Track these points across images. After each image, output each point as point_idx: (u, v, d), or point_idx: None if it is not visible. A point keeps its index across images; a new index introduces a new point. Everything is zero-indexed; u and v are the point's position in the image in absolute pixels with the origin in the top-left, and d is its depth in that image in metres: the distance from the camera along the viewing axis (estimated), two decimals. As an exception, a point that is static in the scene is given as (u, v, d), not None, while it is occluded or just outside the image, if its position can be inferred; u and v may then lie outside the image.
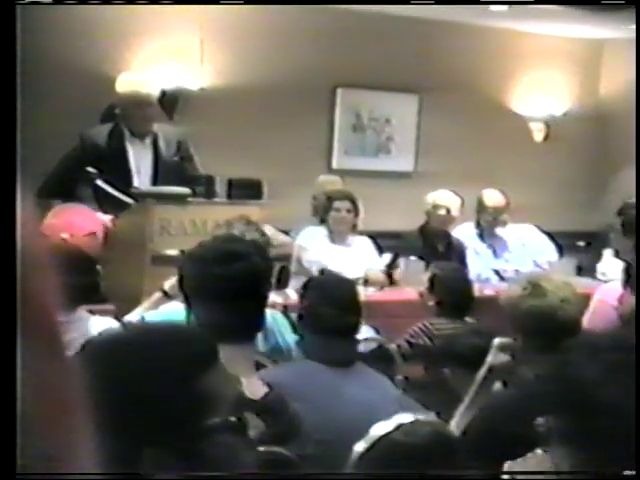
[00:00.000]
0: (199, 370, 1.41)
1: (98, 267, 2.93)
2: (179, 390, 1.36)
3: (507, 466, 1.82)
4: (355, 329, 2.86)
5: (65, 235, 2.85)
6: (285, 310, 4.11)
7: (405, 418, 1.94)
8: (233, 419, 1.47)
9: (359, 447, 1.89)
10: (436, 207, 5.84)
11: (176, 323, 1.77)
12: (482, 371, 2.89)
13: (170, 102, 6.10)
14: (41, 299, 0.61)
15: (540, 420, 1.31)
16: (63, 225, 2.88)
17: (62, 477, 0.57)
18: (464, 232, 6.09)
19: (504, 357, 2.85)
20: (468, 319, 4.05)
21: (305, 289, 2.94)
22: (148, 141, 4.84)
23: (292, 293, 4.84)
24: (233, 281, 2.22)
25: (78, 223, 2.89)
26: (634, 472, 1.18)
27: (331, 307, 2.78)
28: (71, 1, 5.03)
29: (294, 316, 3.01)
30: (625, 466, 1.19)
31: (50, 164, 4.93)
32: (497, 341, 2.87)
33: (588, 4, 5.42)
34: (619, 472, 1.18)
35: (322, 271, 3.30)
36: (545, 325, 2.78)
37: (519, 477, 1.34)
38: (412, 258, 5.45)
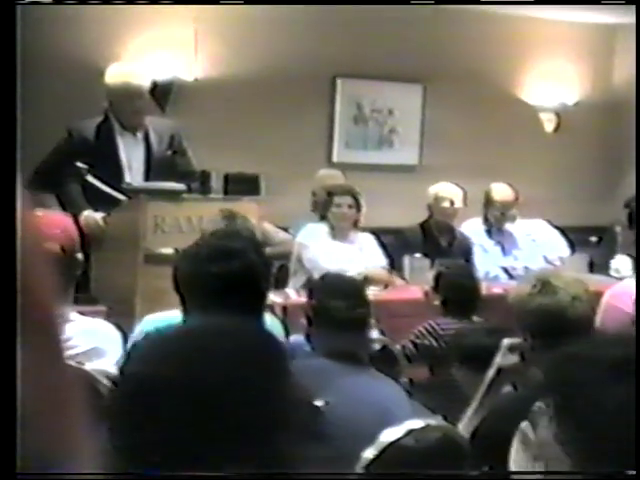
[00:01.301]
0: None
1: (78, 259, 2.92)
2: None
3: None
4: (365, 323, 2.89)
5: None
6: (284, 311, 4.13)
7: (415, 424, 1.95)
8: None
9: (368, 454, 1.90)
10: (438, 199, 5.84)
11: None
12: (490, 372, 2.90)
13: (163, 94, 6.10)
14: (39, 296, 0.63)
15: (539, 405, 1.32)
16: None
17: (62, 477, 0.59)
18: (471, 228, 6.09)
19: (513, 358, 2.86)
20: (475, 318, 4.06)
21: (312, 287, 2.99)
22: (140, 135, 4.84)
23: (292, 292, 4.86)
24: (229, 279, 2.23)
25: (47, 232, 2.89)
26: (634, 472, 1.19)
27: (340, 300, 2.83)
28: (71, 1, 5.03)
29: (297, 318, 3.04)
30: (624, 465, 1.20)
31: (38, 158, 4.94)
32: (506, 341, 2.88)
33: (588, 4, 5.44)
34: (620, 472, 1.19)
35: (326, 274, 3.35)
36: (555, 324, 2.79)
37: (519, 477, 1.35)
38: (417, 255, 5.46)
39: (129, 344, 3.00)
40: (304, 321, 2.94)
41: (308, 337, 2.93)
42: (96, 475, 0.59)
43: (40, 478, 0.58)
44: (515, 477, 1.35)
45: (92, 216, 4.48)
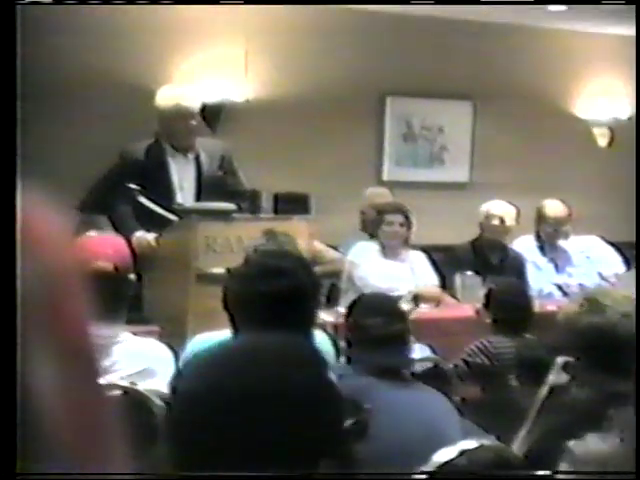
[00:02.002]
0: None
1: (131, 279, 2.97)
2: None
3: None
4: (403, 337, 2.89)
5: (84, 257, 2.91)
6: (335, 329, 4.13)
7: (468, 444, 1.94)
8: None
9: (421, 475, 1.89)
10: (489, 217, 5.82)
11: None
12: (543, 391, 2.87)
13: (213, 115, 6.17)
14: (75, 320, 0.64)
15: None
16: (84, 251, 2.95)
17: (62, 477, 0.60)
18: (523, 245, 6.05)
19: (566, 376, 2.83)
20: (528, 336, 4.03)
21: (349, 308, 3.02)
22: (191, 156, 4.89)
23: (343, 311, 4.86)
24: (279, 299, 2.24)
25: (100, 252, 2.95)
26: (634, 472, 1.18)
27: (376, 317, 2.84)
28: (71, 1, 5.09)
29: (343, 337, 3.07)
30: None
31: (91, 179, 5.01)
32: (559, 360, 2.86)
33: (589, 4, 5.42)
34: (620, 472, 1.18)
35: (362, 294, 3.40)
36: (605, 342, 2.76)
37: (522, 477, 1.34)
38: (468, 273, 5.44)
39: (180, 363, 3.03)
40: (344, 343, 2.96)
41: (349, 359, 2.94)
42: (96, 475, 0.60)
43: (40, 478, 0.59)
44: (517, 478, 1.34)
45: (144, 237, 4.53)
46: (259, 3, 5.45)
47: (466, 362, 4.00)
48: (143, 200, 4.61)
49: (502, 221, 5.80)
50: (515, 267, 5.77)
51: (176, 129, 4.82)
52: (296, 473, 1.15)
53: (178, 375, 1.34)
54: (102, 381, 0.66)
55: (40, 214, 0.65)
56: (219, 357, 1.26)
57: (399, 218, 5.35)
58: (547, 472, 1.27)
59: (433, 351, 4.02)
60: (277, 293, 2.24)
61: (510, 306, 4.03)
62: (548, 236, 6.05)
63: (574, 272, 6.00)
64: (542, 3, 5.54)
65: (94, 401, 0.64)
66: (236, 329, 2.32)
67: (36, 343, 0.60)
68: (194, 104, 4.90)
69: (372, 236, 5.52)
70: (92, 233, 3.11)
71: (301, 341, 1.43)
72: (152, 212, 4.61)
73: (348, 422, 1.27)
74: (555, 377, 2.83)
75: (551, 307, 5.03)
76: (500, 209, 5.86)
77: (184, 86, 5.49)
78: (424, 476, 1.85)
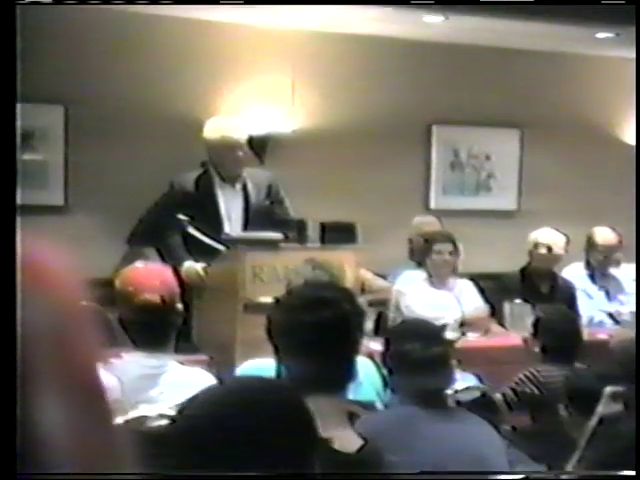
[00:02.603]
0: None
1: (178, 310, 2.99)
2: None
3: None
4: (443, 360, 2.88)
5: (131, 289, 2.95)
6: (384, 358, 4.11)
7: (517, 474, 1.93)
8: None
9: (421, 476, 1.89)
10: (537, 246, 5.78)
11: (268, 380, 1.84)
12: (593, 421, 2.84)
13: (261, 145, 6.22)
14: (82, 358, 0.64)
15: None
16: (131, 282, 2.98)
17: (62, 477, 0.60)
18: (574, 273, 5.99)
19: (617, 406, 2.79)
20: (578, 365, 3.97)
21: (388, 336, 3.03)
22: (238, 186, 4.94)
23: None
24: (322, 329, 2.24)
25: (147, 284, 2.98)
26: (634, 472, 1.15)
27: (415, 342, 2.84)
28: (71, 1, 5.16)
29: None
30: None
31: (140, 210, 5.08)
32: (609, 389, 2.82)
33: (588, 4, 5.38)
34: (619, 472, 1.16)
35: (401, 321, 3.43)
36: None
37: (520, 477, 1.34)
38: (517, 301, 5.39)
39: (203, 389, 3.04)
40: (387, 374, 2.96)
41: (393, 389, 2.93)
42: (96, 475, 0.60)
43: (40, 478, 0.60)
44: (516, 477, 1.36)
45: (193, 267, 4.57)
46: (260, 3, 5.46)
47: (515, 391, 3.95)
48: (192, 230, 4.65)
49: (550, 249, 5.75)
50: (565, 295, 5.71)
51: (224, 160, 4.87)
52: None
53: (189, 400, 1.58)
54: (113, 419, 0.67)
55: (46, 254, 0.66)
56: (216, 394, 1.59)
57: (448, 247, 5.33)
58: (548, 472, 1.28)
59: (480, 380, 3.98)
60: (320, 323, 2.24)
61: (559, 334, 3.99)
62: (598, 263, 5.99)
63: (626, 300, 5.92)
64: (542, 3, 5.52)
65: (102, 437, 0.64)
66: (280, 358, 2.32)
67: (44, 381, 0.61)
68: (241, 135, 4.95)
69: (420, 264, 5.50)
70: (138, 264, 3.13)
71: (283, 389, 1.63)
72: (201, 242, 4.65)
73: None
74: (605, 407, 2.80)
75: (602, 335, 4.97)
76: (548, 237, 5.81)
77: (231, 117, 5.55)
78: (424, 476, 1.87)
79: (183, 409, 1.56)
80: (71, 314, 0.63)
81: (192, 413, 1.51)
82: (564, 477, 1.87)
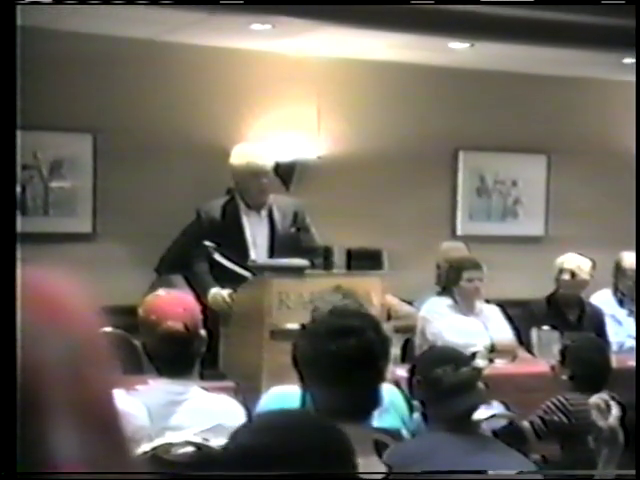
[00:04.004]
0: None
1: (202, 337, 2.99)
2: None
3: None
4: (474, 388, 2.86)
5: (154, 317, 2.96)
6: (410, 385, 4.10)
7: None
8: None
9: (421, 476, 1.89)
10: (562, 271, 5.74)
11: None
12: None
13: (287, 172, 6.24)
14: (96, 388, 0.65)
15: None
16: (154, 310, 2.99)
17: (62, 477, 0.60)
18: (602, 299, 5.94)
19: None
20: (607, 393, 3.92)
21: (414, 364, 3.02)
22: (264, 213, 4.95)
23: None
24: (347, 357, 2.24)
25: (170, 311, 2.98)
26: (634, 472, 1.14)
27: (446, 368, 2.83)
28: (71, 1, 5.20)
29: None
30: None
31: (168, 239, 5.10)
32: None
33: (588, 4, 5.36)
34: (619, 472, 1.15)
35: (426, 349, 3.43)
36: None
37: (523, 477, 1.34)
38: (545, 328, 5.35)
39: (254, 415, 3.04)
40: (416, 402, 2.95)
41: (425, 416, 2.92)
42: (96, 475, 0.60)
43: (40, 478, 0.60)
44: (516, 477, 1.36)
45: (220, 293, 4.58)
46: (260, 3, 5.48)
47: (543, 419, 3.91)
48: (218, 258, 4.67)
49: (573, 275, 5.71)
50: (593, 322, 5.66)
51: (250, 187, 4.88)
52: None
53: (240, 427, 1.67)
54: (131, 449, 0.67)
55: (59, 283, 0.66)
56: (260, 426, 1.67)
57: (479, 274, 5.29)
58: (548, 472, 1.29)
59: (507, 408, 3.95)
60: (345, 352, 2.24)
61: (587, 363, 3.94)
62: (627, 289, 5.94)
63: (656, 325, 5.85)
64: (542, 3, 5.51)
65: (118, 466, 0.65)
66: (305, 386, 2.32)
67: (60, 411, 0.61)
68: (267, 162, 4.96)
69: (444, 289, 5.47)
70: (161, 292, 3.14)
71: (321, 425, 1.67)
72: (227, 269, 4.66)
73: None
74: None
75: (632, 362, 4.90)
76: (572, 263, 5.77)
77: (257, 144, 5.56)
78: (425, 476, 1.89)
79: (235, 436, 1.63)
80: (87, 342, 0.63)
81: (242, 441, 1.58)
82: (565, 477, 1.86)
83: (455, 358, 2.96)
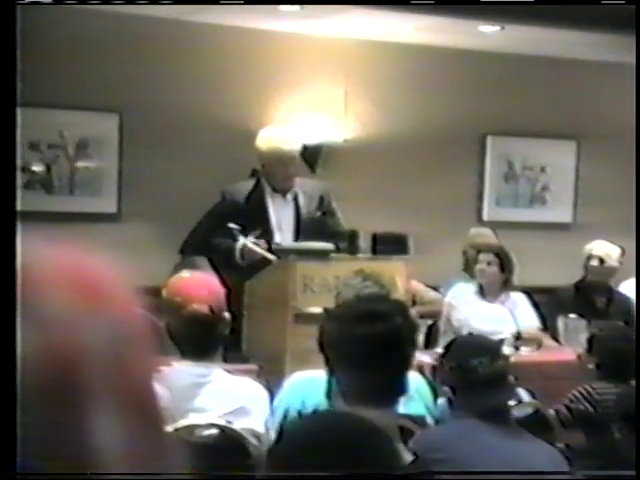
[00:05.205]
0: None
1: (226, 319, 2.99)
2: None
3: None
4: (503, 376, 2.86)
5: (179, 299, 2.95)
6: (434, 371, 4.09)
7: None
8: None
9: (421, 476, 1.90)
10: (590, 258, 5.71)
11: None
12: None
13: (313, 155, 6.22)
14: (136, 370, 0.64)
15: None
16: (178, 292, 2.99)
17: (62, 477, 0.59)
18: (632, 287, 5.90)
19: None
20: (634, 383, 3.89)
21: (445, 351, 3.01)
22: (289, 196, 4.94)
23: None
24: (374, 342, 2.23)
25: (195, 294, 2.98)
26: (634, 472, 1.12)
27: (476, 356, 2.83)
28: (71, 1, 5.18)
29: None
30: None
31: (193, 221, 5.10)
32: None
33: (587, 4, 5.30)
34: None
35: (457, 337, 3.43)
36: None
37: (524, 477, 1.33)
38: (572, 316, 5.31)
39: (278, 400, 3.05)
40: (446, 388, 2.94)
41: (450, 402, 2.91)
42: (96, 475, 0.60)
43: (40, 478, 0.59)
44: (516, 477, 1.37)
45: (246, 244, 4.59)
46: (260, 3, 5.45)
47: (568, 408, 3.89)
48: (243, 240, 4.66)
49: (602, 261, 5.67)
50: (622, 310, 5.62)
51: (275, 172, 4.87)
52: None
53: (278, 437, 1.74)
54: (165, 427, 0.67)
55: (96, 264, 0.65)
56: (304, 430, 1.71)
57: (488, 257, 5.30)
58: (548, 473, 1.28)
59: (533, 396, 3.92)
60: (373, 336, 2.23)
61: (614, 352, 3.91)
62: (658, 277, 5.89)
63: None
64: (542, 3, 5.45)
65: (155, 446, 0.64)
66: (331, 370, 2.31)
67: (101, 395, 0.60)
68: (294, 148, 4.94)
69: (473, 276, 5.46)
70: (185, 274, 3.13)
71: (363, 424, 1.68)
72: (252, 252, 4.66)
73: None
74: None
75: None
76: (601, 249, 5.73)
77: (284, 128, 5.54)
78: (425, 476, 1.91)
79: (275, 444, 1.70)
80: (126, 324, 0.63)
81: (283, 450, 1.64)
82: (564, 478, 1.84)
83: (492, 350, 2.97)
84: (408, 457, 2.21)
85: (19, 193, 0.79)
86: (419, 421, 2.93)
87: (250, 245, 4.58)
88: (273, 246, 4.69)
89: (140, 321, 0.65)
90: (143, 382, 0.63)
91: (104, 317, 0.61)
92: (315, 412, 2.25)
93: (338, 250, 4.59)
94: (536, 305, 5.45)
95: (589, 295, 5.70)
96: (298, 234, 4.89)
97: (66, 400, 0.58)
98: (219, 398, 2.89)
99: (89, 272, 0.64)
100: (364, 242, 4.68)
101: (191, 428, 2.79)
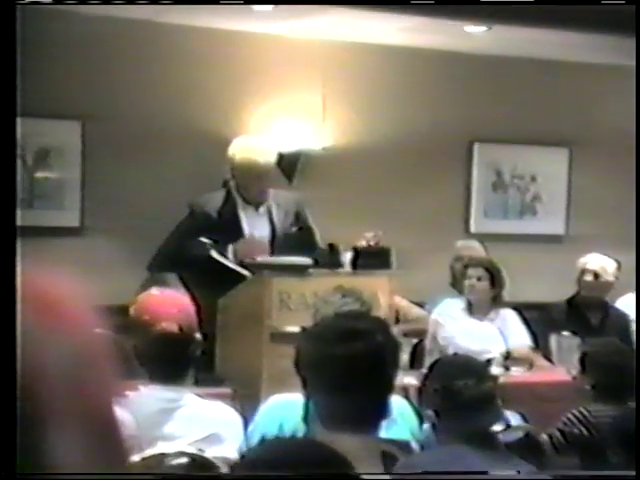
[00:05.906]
0: None
1: (197, 340, 2.99)
2: None
3: None
4: (491, 398, 2.86)
5: (147, 318, 2.95)
6: (420, 393, 4.09)
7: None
8: None
9: (421, 475, 1.91)
10: (584, 272, 5.74)
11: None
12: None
13: (290, 165, 6.22)
14: (96, 395, 0.64)
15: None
16: (146, 311, 2.99)
17: (62, 477, 0.60)
18: (628, 302, 5.93)
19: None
20: (632, 404, 3.91)
21: (430, 372, 3.02)
22: (262, 209, 4.94)
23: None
24: (354, 362, 2.23)
25: (164, 312, 2.97)
26: (634, 472, 1.13)
27: (462, 378, 2.83)
28: (71, 1, 5.20)
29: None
30: None
31: (161, 235, 5.09)
32: None
33: (587, 4, 5.39)
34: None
35: (441, 358, 3.45)
36: None
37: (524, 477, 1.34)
38: (565, 333, 5.34)
39: (253, 425, 3.04)
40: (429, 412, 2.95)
41: (434, 426, 2.91)
42: (96, 475, 0.61)
43: (40, 478, 0.60)
44: (516, 478, 1.39)
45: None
46: (260, 3, 5.48)
47: (562, 432, 3.90)
48: (215, 255, 4.66)
49: (597, 276, 5.70)
50: (618, 327, 5.65)
51: (249, 184, 4.87)
52: None
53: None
54: (128, 455, 0.68)
55: (55, 281, 0.66)
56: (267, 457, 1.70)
57: (479, 272, 5.32)
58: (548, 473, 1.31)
59: (524, 419, 3.93)
60: (352, 356, 2.23)
61: (608, 369, 3.92)
62: (655, 291, 5.92)
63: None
64: (542, 3, 5.51)
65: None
66: (309, 393, 2.31)
67: (59, 417, 0.61)
68: (269, 160, 4.94)
69: (461, 292, 5.48)
70: (154, 291, 3.12)
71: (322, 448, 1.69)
72: (224, 268, 4.65)
73: None
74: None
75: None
76: (596, 263, 5.76)
77: (259, 138, 5.53)
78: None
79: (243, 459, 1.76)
80: (84, 344, 0.63)
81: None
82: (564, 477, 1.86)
83: (478, 371, 2.98)
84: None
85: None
86: (403, 447, 2.93)
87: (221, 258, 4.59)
88: (247, 261, 4.69)
89: (102, 342, 0.66)
90: (104, 407, 0.64)
91: (63, 337, 0.62)
92: (276, 438, 2.25)
93: (316, 265, 4.60)
94: (527, 322, 5.47)
95: (583, 312, 5.73)
96: (273, 249, 4.89)
97: (23, 419, 0.59)
98: (190, 424, 2.87)
99: (48, 290, 0.64)
100: (344, 256, 4.69)
101: (159, 457, 2.77)
